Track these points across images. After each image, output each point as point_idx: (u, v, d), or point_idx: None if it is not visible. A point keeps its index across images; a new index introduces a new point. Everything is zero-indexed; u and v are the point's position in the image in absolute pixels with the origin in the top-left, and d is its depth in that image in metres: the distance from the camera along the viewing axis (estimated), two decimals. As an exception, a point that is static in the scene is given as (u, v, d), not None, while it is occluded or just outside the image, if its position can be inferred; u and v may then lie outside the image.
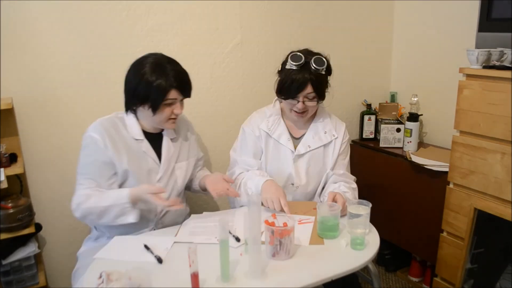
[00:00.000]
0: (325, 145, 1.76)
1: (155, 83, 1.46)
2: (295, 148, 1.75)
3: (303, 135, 1.78)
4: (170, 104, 1.52)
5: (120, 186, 1.56)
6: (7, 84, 1.75)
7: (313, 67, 1.59)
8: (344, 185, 1.71)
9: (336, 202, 1.51)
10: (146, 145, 1.59)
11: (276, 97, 1.79)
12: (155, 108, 1.50)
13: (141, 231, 1.60)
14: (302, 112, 1.68)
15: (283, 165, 1.75)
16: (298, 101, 1.64)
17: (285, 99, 1.68)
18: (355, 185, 1.77)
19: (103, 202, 1.47)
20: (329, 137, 1.76)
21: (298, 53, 1.63)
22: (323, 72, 1.62)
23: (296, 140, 1.78)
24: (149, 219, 1.61)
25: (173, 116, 1.55)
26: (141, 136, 1.58)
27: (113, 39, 1.90)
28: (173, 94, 1.50)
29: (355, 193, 1.73)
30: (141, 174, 1.57)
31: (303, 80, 1.59)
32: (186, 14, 2.02)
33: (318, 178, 1.77)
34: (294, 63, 1.60)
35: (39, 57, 1.78)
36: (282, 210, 1.54)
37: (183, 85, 1.53)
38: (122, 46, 1.92)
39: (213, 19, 2.09)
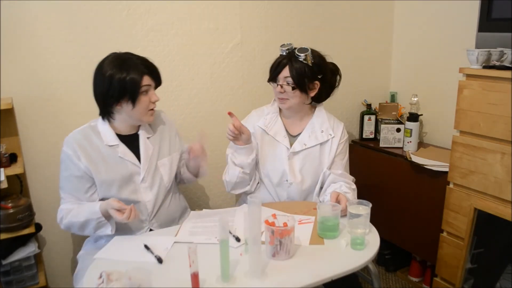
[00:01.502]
0: (321, 144, 1.78)
1: (127, 77, 1.48)
2: (291, 146, 1.77)
3: (300, 133, 1.80)
4: (146, 92, 1.54)
5: (104, 194, 1.56)
6: (7, 84, 1.75)
7: (295, 54, 1.67)
8: (345, 186, 1.71)
9: (339, 202, 1.51)
10: (123, 149, 1.58)
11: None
12: (134, 100, 1.51)
13: (137, 233, 1.60)
14: (283, 99, 1.73)
15: (278, 162, 1.77)
16: (278, 84, 1.71)
17: (268, 81, 1.76)
18: (354, 186, 1.77)
19: (80, 217, 1.50)
20: (325, 136, 1.78)
21: (289, 42, 1.74)
22: (306, 62, 1.67)
23: (292, 137, 1.80)
24: (141, 219, 1.61)
25: (151, 106, 1.57)
26: (115, 141, 1.58)
27: (113, 39, 1.90)
28: (146, 80, 1.53)
29: (355, 194, 1.73)
30: (122, 180, 1.57)
31: (282, 62, 1.70)
32: (186, 14, 2.03)
33: (313, 177, 1.78)
34: (281, 48, 1.72)
35: (39, 57, 1.78)
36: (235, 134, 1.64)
37: (152, 70, 1.56)
38: (122, 46, 1.91)
39: (213, 19, 2.09)
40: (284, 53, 1.71)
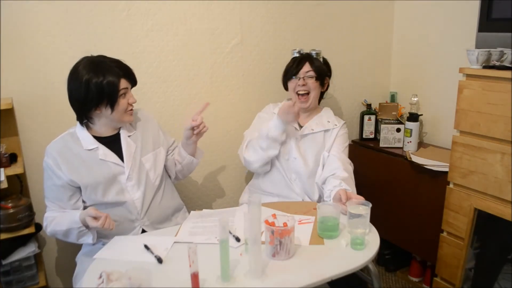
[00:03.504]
0: (325, 131, 1.97)
1: (104, 81, 1.48)
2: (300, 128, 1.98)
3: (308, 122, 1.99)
4: (124, 95, 1.55)
5: (90, 199, 1.57)
6: (7, 84, 1.75)
7: (310, 53, 1.97)
8: (346, 181, 1.73)
9: (349, 199, 1.56)
10: (103, 151, 1.58)
11: (287, 98, 2.02)
12: (113, 103, 1.51)
13: (130, 233, 1.61)
14: (304, 96, 1.91)
15: (287, 142, 1.93)
16: (299, 78, 1.91)
17: (289, 79, 1.96)
18: (350, 168, 1.89)
19: (62, 225, 1.51)
20: (331, 125, 1.98)
21: (299, 48, 2.04)
22: (320, 59, 1.97)
23: (301, 127, 1.98)
24: (131, 219, 1.61)
25: (129, 108, 1.58)
26: (94, 144, 1.58)
27: (113, 39, 1.90)
28: (124, 83, 1.54)
29: (352, 176, 1.85)
30: (107, 181, 1.57)
31: (302, 59, 1.94)
32: (186, 14, 2.03)
33: (316, 159, 1.93)
34: (294, 51, 2.01)
35: (39, 57, 1.78)
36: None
37: (127, 72, 1.57)
38: (122, 46, 1.92)
39: (213, 19, 2.09)
40: (297, 55, 1.99)
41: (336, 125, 1.98)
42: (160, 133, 1.76)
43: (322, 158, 1.92)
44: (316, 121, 1.98)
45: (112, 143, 1.61)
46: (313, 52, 1.96)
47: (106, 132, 1.61)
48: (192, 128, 1.68)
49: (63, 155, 1.55)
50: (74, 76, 1.51)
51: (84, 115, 1.56)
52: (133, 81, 1.60)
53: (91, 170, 1.55)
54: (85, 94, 1.48)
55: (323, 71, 1.94)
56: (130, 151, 1.62)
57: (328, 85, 2.03)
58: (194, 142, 1.74)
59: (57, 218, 1.53)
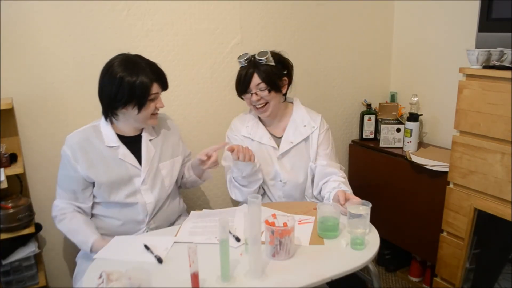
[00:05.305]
0: (305, 139, 1.81)
1: (137, 81, 1.47)
2: (278, 146, 1.80)
3: (284, 133, 1.83)
4: (153, 99, 1.54)
5: (101, 195, 1.57)
6: (7, 84, 1.75)
7: (257, 60, 1.70)
8: (343, 184, 1.71)
9: (348, 200, 1.54)
10: (123, 151, 1.58)
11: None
12: (141, 106, 1.51)
13: (134, 234, 1.61)
14: (262, 107, 1.75)
15: (268, 164, 1.81)
16: (252, 94, 1.72)
17: (241, 94, 1.77)
18: (344, 174, 1.76)
19: (70, 234, 1.55)
20: (309, 130, 1.81)
21: (244, 53, 1.76)
22: (270, 63, 1.70)
23: (278, 139, 1.83)
24: (138, 221, 1.62)
25: (156, 111, 1.57)
26: (116, 142, 1.57)
27: (113, 39, 1.90)
28: (155, 87, 1.53)
29: (347, 182, 1.73)
30: (122, 181, 1.57)
31: (248, 72, 1.70)
32: (186, 14, 2.03)
33: (305, 171, 1.81)
34: (240, 60, 1.74)
35: (39, 57, 1.78)
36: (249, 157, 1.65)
37: (161, 77, 1.56)
38: (122, 46, 1.91)
39: (213, 19, 2.09)
40: (245, 64, 1.73)
41: (314, 127, 1.80)
42: (180, 142, 1.76)
43: (310, 170, 1.80)
44: (291, 128, 1.81)
45: (133, 143, 1.61)
46: (263, 59, 1.69)
47: (129, 131, 1.61)
48: (202, 161, 1.64)
49: (83, 148, 1.54)
50: (109, 72, 1.49)
51: (110, 111, 1.55)
52: (165, 86, 1.59)
53: (109, 168, 1.55)
54: (116, 91, 1.48)
55: (274, 77, 1.71)
56: (149, 156, 1.62)
57: (289, 82, 1.81)
58: (202, 169, 1.71)
59: (67, 220, 1.55)
